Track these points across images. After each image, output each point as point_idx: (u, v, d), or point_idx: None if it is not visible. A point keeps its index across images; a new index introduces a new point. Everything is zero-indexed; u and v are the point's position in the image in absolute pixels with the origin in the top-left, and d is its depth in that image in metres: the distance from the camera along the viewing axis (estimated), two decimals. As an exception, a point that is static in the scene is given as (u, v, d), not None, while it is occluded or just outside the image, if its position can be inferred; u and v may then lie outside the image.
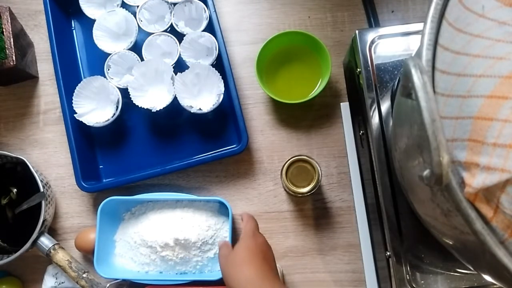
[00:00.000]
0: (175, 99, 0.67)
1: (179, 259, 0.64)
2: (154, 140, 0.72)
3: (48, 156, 0.73)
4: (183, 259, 0.64)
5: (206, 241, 0.64)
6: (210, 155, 0.68)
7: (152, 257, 0.65)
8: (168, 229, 0.63)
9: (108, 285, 0.65)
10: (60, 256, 0.65)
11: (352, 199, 0.68)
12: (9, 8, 0.70)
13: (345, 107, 0.70)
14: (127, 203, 0.67)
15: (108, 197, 0.65)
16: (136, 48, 0.70)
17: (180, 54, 0.69)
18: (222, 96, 0.67)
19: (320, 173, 0.61)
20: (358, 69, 0.60)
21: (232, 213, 0.65)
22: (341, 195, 0.69)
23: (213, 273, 0.65)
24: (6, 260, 0.63)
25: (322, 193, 0.69)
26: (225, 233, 0.65)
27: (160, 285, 0.65)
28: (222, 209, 0.67)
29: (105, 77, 0.69)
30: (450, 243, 0.42)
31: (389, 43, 0.59)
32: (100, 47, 0.70)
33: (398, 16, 0.74)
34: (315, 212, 0.69)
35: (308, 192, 0.62)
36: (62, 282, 0.68)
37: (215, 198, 0.66)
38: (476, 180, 0.29)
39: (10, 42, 0.67)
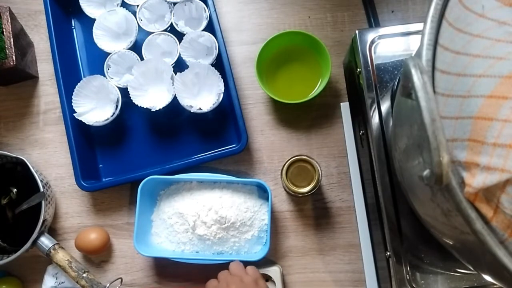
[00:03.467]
0: (174, 98, 0.67)
1: (217, 239, 0.64)
2: (153, 139, 0.72)
3: (48, 156, 0.73)
4: (221, 239, 0.64)
5: (244, 222, 0.64)
6: (209, 155, 0.68)
7: (189, 236, 0.65)
8: (207, 207, 0.64)
9: (108, 285, 0.65)
10: (60, 256, 0.65)
11: (352, 199, 0.68)
12: (9, 8, 0.69)
13: (345, 107, 0.70)
14: (166, 182, 0.68)
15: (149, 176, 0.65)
16: (136, 47, 0.70)
17: (180, 54, 0.69)
18: (222, 96, 0.67)
19: (320, 173, 0.61)
20: (358, 69, 0.60)
21: (271, 195, 0.65)
22: (341, 195, 0.69)
23: (250, 255, 0.65)
24: (6, 260, 0.63)
25: (322, 193, 0.69)
26: (263, 216, 0.65)
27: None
28: (259, 193, 0.67)
29: (105, 76, 0.69)
30: (450, 243, 0.42)
31: (389, 43, 0.59)
32: (100, 46, 0.70)
33: (398, 16, 0.74)
34: (315, 212, 0.69)
35: (308, 192, 0.62)
36: (62, 282, 0.68)
37: (254, 180, 0.66)
38: (476, 180, 0.29)
39: (10, 42, 0.67)
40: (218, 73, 0.67)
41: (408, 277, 0.53)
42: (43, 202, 0.64)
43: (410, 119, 0.38)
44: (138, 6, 0.70)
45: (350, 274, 0.67)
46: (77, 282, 0.64)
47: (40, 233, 0.65)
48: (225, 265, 0.64)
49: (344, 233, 0.68)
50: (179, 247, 0.66)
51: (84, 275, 0.64)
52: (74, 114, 0.67)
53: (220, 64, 0.68)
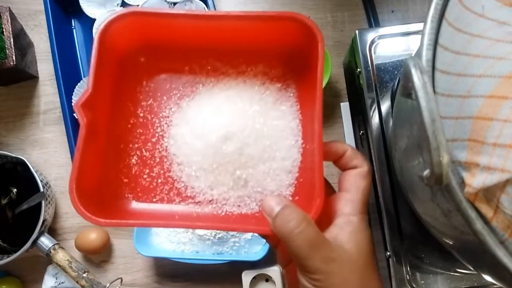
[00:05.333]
0: (175, 99, 0.67)
1: (216, 239, 0.64)
2: (154, 140, 0.71)
3: (48, 156, 0.73)
4: (220, 239, 0.64)
5: None
6: (210, 155, 0.68)
7: (189, 236, 0.65)
8: None
9: (108, 285, 0.65)
10: (60, 256, 0.65)
11: (352, 199, 0.68)
12: (9, 8, 0.69)
13: (345, 107, 0.70)
14: None
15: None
16: (136, 48, 0.70)
17: (180, 54, 0.69)
18: (222, 96, 0.67)
19: (320, 173, 0.61)
20: (358, 69, 0.59)
21: None
22: (341, 195, 0.69)
23: (250, 255, 0.65)
24: (6, 260, 0.63)
25: (322, 193, 0.69)
26: None
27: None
28: None
29: (105, 77, 0.69)
30: (450, 243, 0.42)
31: (389, 43, 0.59)
32: (100, 47, 0.69)
33: (398, 16, 0.74)
34: (315, 212, 0.69)
35: (308, 192, 0.62)
36: (62, 282, 0.68)
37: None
38: (476, 180, 0.29)
39: (10, 42, 0.67)
40: (218, 73, 0.67)
41: (408, 277, 0.53)
42: (43, 202, 0.64)
43: (410, 119, 0.38)
44: (138, 6, 0.70)
45: (350, 274, 0.67)
46: (77, 282, 0.64)
47: (40, 233, 0.65)
48: (225, 265, 0.64)
49: (344, 233, 0.68)
50: (179, 247, 0.66)
51: (84, 275, 0.64)
52: (74, 114, 0.67)
53: (220, 64, 0.68)
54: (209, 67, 0.39)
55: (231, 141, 0.35)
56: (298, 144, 0.36)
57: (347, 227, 0.31)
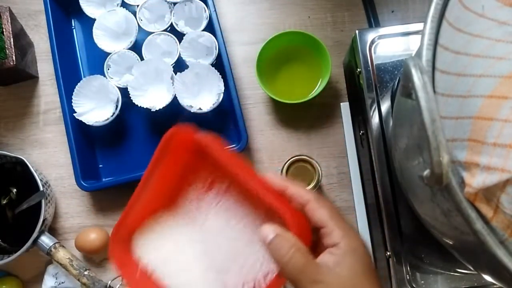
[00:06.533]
0: (174, 98, 0.67)
1: None
2: (153, 139, 0.72)
3: (48, 156, 0.73)
4: None
5: None
6: (210, 155, 0.68)
7: None
8: None
9: (109, 282, 0.65)
10: (61, 255, 0.65)
11: (352, 199, 0.68)
12: (9, 8, 0.69)
13: (345, 107, 0.70)
14: None
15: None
16: (136, 47, 0.70)
17: (180, 54, 0.69)
18: (222, 96, 0.67)
19: (320, 173, 0.61)
20: (358, 69, 0.60)
21: None
22: (341, 195, 0.69)
23: None
24: (6, 260, 0.63)
25: (322, 193, 0.69)
26: None
27: None
28: None
29: (105, 76, 0.69)
30: (450, 243, 0.42)
31: (389, 43, 0.59)
32: (100, 46, 0.70)
33: (398, 16, 0.74)
34: (315, 212, 0.69)
35: (308, 192, 0.62)
36: (62, 282, 0.68)
37: None
38: (476, 180, 0.29)
39: (10, 42, 0.67)
40: (218, 73, 0.67)
41: (408, 277, 0.53)
42: (43, 201, 0.64)
43: (410, 119, 0.38)
44: (138, 6, 0.70)
45: (350, 274, 0.67)
46: (78, 280, 0.64)
47: (41, 232, 0.65)
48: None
49: (344, 233, 0.68)
50: None
51: (86, 272, 0.64)
52: (74, 114, 0.67)
53: (220, 64, 0.68)
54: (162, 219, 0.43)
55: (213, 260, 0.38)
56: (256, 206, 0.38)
57: (336, 251, 0.33)
